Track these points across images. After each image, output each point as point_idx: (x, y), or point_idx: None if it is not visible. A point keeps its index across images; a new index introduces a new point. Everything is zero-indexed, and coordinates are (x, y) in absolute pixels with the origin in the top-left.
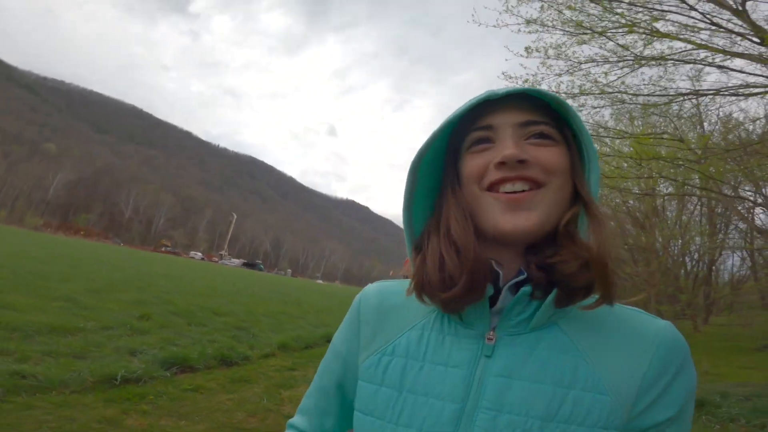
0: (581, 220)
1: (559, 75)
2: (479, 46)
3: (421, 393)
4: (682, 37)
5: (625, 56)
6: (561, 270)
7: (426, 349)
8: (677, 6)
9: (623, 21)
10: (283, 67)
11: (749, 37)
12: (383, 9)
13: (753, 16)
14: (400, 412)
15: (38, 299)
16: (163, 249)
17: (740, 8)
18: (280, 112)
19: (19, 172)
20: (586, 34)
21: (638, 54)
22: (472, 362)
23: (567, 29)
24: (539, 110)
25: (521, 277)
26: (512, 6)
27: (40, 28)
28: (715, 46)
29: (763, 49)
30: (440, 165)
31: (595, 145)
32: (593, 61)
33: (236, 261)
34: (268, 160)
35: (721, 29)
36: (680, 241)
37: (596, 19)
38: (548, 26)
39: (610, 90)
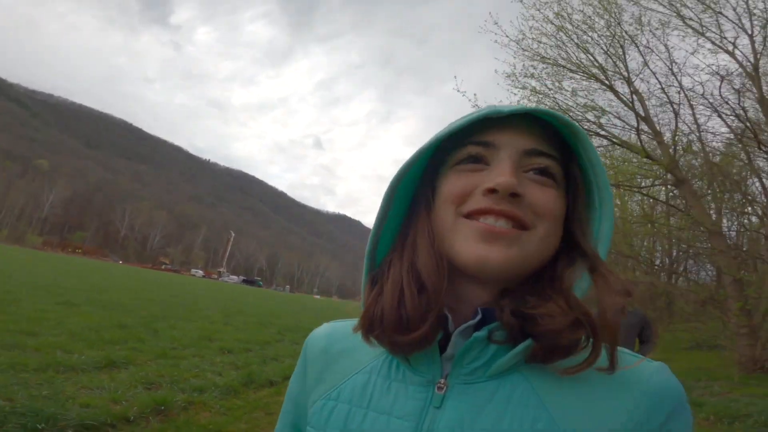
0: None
1: None
2: (464, 55)
3: None
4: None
5: None
6: (544, 324)
7: (371, 395)
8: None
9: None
10: (267, 79)
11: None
12: (368, 19)
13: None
14: None
15: (202, 321)
16: (163, 267)
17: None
18: (266, 125)
19: (14, 190)
20: None
21: None
22: (420, 413)
23: None
24: (546, 139)
25: (475, 320)
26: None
27: (23, 40)
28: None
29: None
30: (414, 187)
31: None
32: None
33: (235, 278)
34: (257, 174)
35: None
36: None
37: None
38: None
39: None
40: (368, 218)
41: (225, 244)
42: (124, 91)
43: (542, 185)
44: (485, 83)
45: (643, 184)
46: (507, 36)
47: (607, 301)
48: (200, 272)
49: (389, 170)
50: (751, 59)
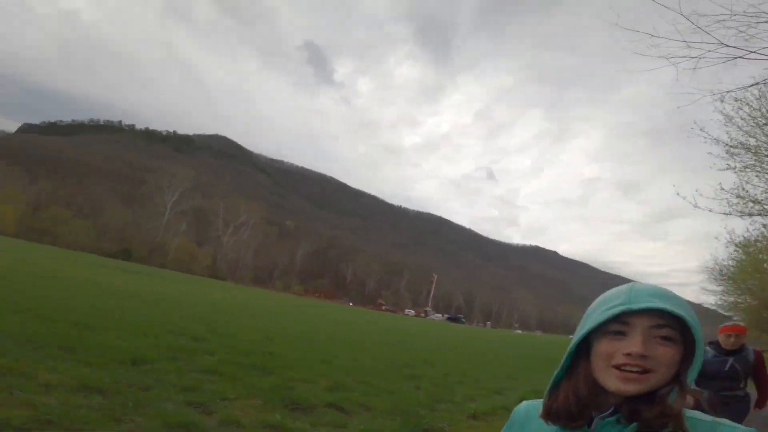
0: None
1: None
2: (625, 53)
3: None
4: None
5: None
6: (645, 416)
7: None
8: None
9: None
10: (427, 117)
11: None
12: (502, 39)
13: None
14: None
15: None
16: (383, 308)
17: None
18: (436, 163)
19: (276, 249)
20: None
21: None
22: None
23: None
24: (667, 315)
25: (608, 413)
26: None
27: (246, 110)
28: None
29: None
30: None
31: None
32: None
33: (439, 316)
34: (440, 213)
35: None
36: None
37: None
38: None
39: None
40: (562, 247)
41: (429, 285)
42: (321, 150)
43: (664, 345)
44: (667, 81)
45: None
46: (715, 138)
47: (679, 407)
48: (412, 312)
49: (576, 192)
50: None
